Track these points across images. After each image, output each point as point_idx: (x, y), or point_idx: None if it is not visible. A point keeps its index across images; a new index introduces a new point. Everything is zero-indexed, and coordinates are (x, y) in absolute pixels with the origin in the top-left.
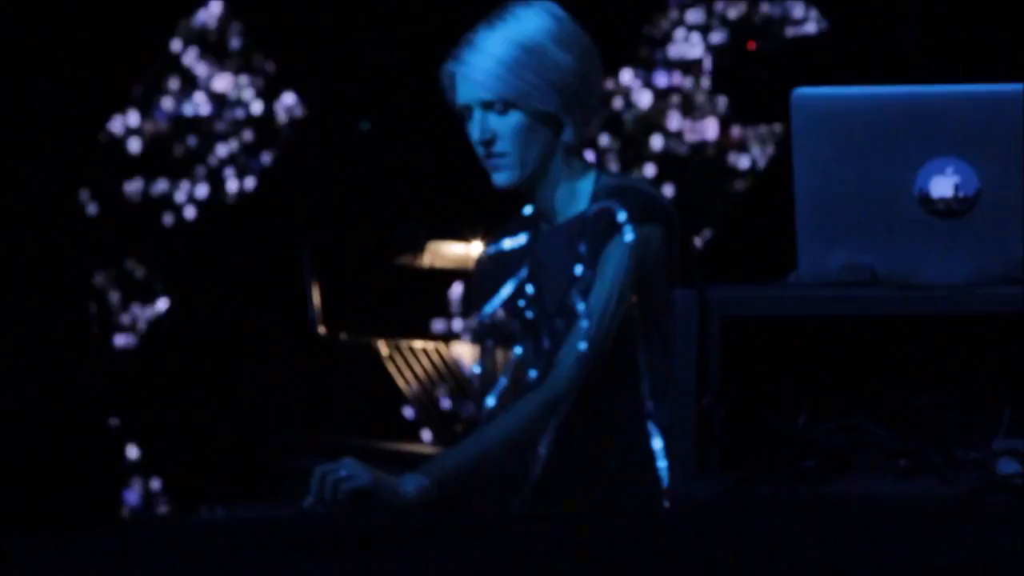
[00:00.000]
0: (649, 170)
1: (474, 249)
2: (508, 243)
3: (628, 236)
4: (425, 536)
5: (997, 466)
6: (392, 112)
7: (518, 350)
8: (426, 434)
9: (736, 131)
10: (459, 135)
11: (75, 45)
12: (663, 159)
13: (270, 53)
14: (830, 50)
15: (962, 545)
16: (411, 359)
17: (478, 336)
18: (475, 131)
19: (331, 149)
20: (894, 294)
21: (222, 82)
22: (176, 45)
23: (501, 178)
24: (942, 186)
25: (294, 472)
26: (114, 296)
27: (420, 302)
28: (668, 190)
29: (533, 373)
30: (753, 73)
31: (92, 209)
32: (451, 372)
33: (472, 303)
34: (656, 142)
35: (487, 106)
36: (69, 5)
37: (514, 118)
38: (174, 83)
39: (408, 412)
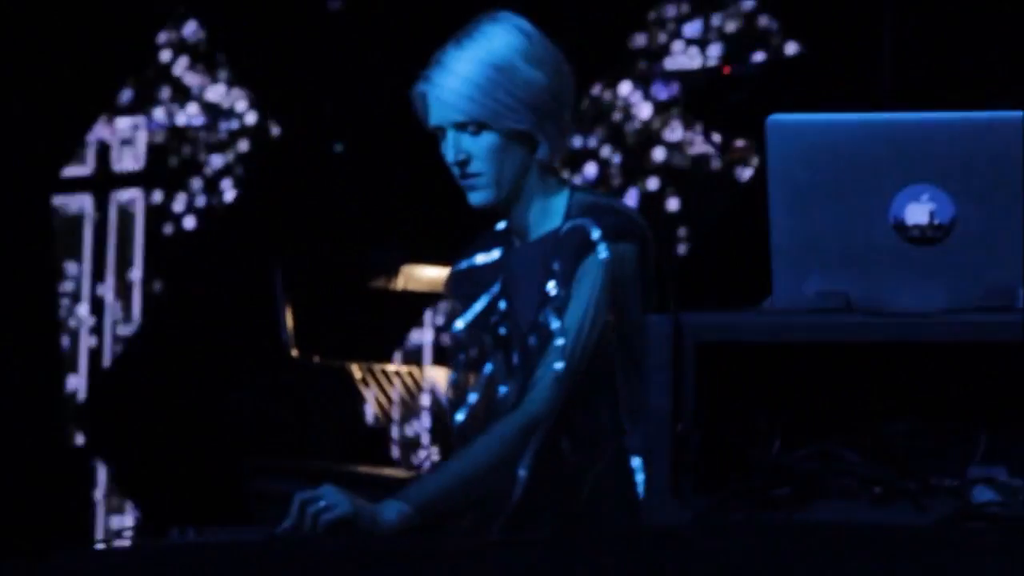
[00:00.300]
0: (652, 183)
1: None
2: (481, 258)
3: (602, 254)
4: (400, 562)
5: (972, 494)
6: (366, 133)
7: (489, 366)
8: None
9: (740, 142)
10: (434, 157)
11: (62, 52)
12: (665, 172)
13: (243, 74)
14: (805, 74)
15: (937, 573)
16: (384, 382)
17: (450, 351)
18: (449, 152)
19: (304, 170)
20: (869, 321)
21: (214, 92)
22: (165, 56)
23: (477, 198)
24: (917, 213)
25: (266, 495)
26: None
27: (394, 325)
28: (673, 203)
29: (503, 389)
30: (728, 97)
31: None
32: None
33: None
34: (658, 154)
35: (460, 127)
36: (58, 13)
37: (487, 138)
38: (165, 92)
39: (393, 433)
